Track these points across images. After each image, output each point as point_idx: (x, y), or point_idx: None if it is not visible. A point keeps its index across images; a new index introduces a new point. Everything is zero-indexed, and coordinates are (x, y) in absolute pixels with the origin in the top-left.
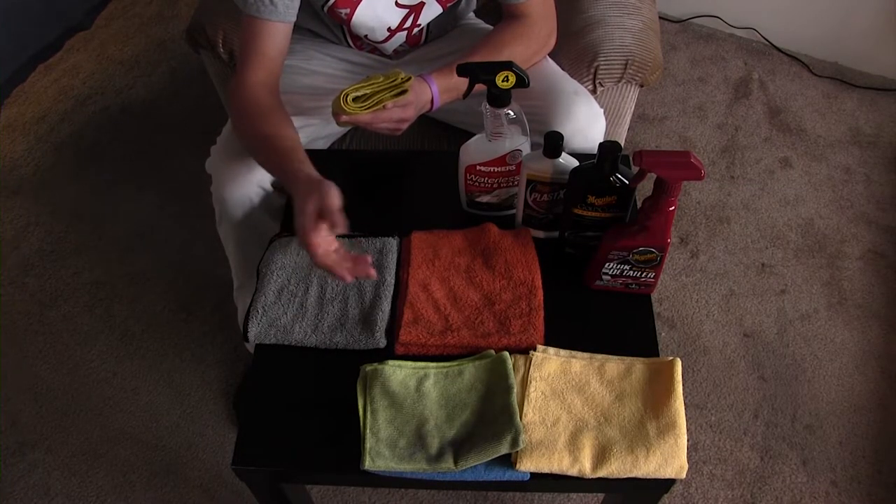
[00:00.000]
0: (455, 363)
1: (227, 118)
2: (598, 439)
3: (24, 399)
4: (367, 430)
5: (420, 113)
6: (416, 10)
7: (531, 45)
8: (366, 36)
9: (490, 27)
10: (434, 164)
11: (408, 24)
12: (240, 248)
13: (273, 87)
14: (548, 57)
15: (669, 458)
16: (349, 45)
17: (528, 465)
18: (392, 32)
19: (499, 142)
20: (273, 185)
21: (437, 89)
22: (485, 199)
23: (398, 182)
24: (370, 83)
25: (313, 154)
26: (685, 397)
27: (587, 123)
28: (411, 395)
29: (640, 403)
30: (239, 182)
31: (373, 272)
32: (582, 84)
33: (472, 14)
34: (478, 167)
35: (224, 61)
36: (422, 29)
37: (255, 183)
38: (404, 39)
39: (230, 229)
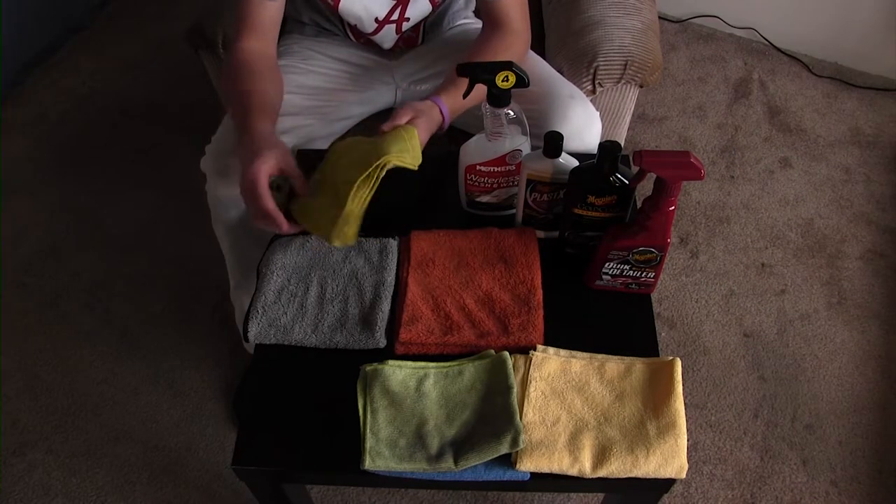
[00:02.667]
0: (455, 363)
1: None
2: (598, 439)
3: (24, 399)
4: (367, 430)
5: (431, 134)
6: (402, 3)
7: (514, 55)
8: (355, 26)
9: None
10: (434, 164)
11: (395, 16)
12: (235, 247)
13: (268, 53)
14: (543, 60)
15: (669, 458)
16: (348, 36)
17: (528, 465)
18: (380, 24)
19: (499, 142)
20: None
21: (446, 109)
22: (485, 198)
23: (398, 182)
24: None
25: (312, 154)
26: (685, 397)
27: (583, 126)
28: (411, 394)
29: (640, 403)
30: (232, 181)
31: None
32: (581, 84)
33: (471, 14)
34: (478, 167)
35: (224, 61)
36: (417, 27)
37: None
38: (395, 33)
39: (225, 229)
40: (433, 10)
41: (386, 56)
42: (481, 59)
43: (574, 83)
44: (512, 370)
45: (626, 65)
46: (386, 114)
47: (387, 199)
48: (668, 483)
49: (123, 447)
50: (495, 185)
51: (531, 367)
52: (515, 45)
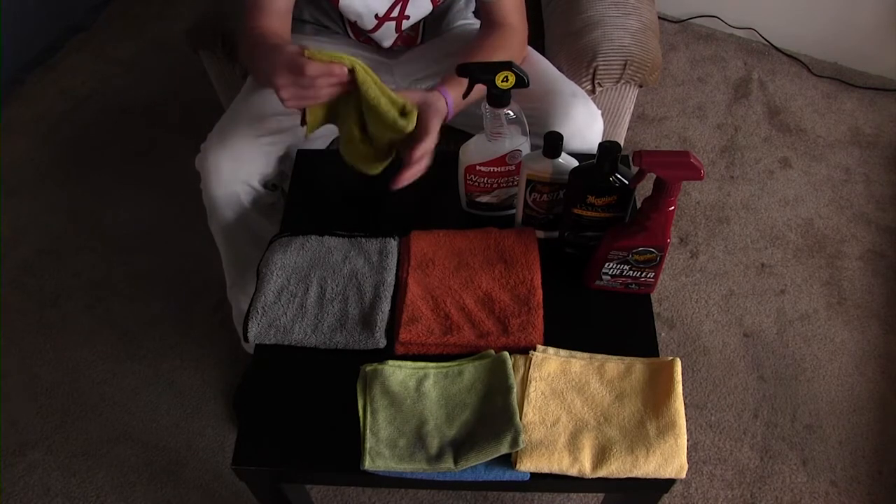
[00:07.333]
0: (455, 363)
1: None
2: (598, 439)
3: (24, 399)
4: (367, 430)
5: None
6: (403, 0)
7: (512, 54)
8: (355, 23)
9: None
10: (434, 164)
11: (395, 13)
12: (230, 245)
13: (282, 33)
14: (545, 59)
15: (669, 458)
16: (348, 34)
17: (528, 465)
18: (380, 21)
19: (498, 142)
20: (262, 182)
21: (451, 100)
22: (484, 199)
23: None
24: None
25: (312, 154)
26: (685, 397)
27: (585, 125)
28: (411, 395)
29: (640, 403)
30: (227, 180)
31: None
32: (581, 84)
33: (470, 14)
34: (477, 167)
35: (224, 61)
36: (416, 27)
37: (243, 181)
38: (394, 31)
39: (220, 227)
40: (433, 10)
41: (385, 55)
42: (480, 57)
43: (573, 83)
44: (512, 370)
45: (625, 64)
46: None
47: (387, 200)
48: (668, 483)
49: (123, 447)
50: (495, 186)
51: (531, 368)
52: (513, 42)
